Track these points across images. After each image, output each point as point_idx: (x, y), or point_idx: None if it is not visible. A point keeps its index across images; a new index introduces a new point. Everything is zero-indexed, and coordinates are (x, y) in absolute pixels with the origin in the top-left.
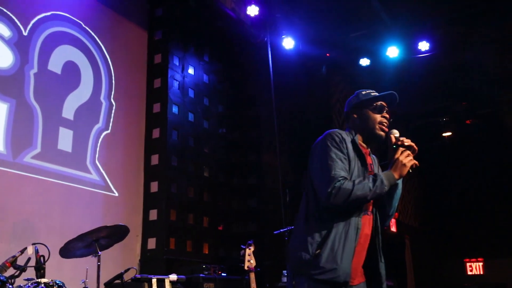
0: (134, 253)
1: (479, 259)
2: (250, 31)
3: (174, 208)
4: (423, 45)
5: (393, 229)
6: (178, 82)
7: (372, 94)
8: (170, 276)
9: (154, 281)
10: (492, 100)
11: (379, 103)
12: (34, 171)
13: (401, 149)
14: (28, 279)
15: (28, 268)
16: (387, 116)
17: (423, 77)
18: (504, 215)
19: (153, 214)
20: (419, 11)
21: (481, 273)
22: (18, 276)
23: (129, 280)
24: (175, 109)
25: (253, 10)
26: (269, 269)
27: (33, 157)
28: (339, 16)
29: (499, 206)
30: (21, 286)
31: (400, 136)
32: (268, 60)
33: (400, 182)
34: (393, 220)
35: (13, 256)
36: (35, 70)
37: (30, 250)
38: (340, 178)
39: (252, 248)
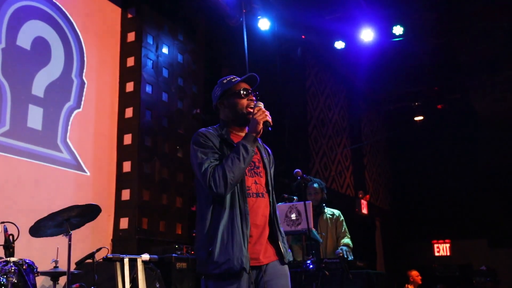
0: (106, 233)
1: (446, 240)
2: (225, 11)
3: (147, 188)
4: (397, 29)
5: (364, 211)
6: (152, 61)
7: (233, 80)
8: (142, 255)
9: (126, 260)
10: (463, 85)
11: (241, 88)
12: (2, 149)
13: (256, 108)
14: None
15: None
16: (253, 98)
17: (396, 61)
18: (470, 199)
19: (126, 194)
20: None
21: (448, 254)
22: None
23: (101, 260)
24: (148, 89)
25: None
26: None
27: (1, 135)
28: None
29: (466, 190)
30: None
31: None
32: (244, 41)
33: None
34: (364, 202)
35: None
36: (3, 45)
37: None
38: (210, 168)
39: None
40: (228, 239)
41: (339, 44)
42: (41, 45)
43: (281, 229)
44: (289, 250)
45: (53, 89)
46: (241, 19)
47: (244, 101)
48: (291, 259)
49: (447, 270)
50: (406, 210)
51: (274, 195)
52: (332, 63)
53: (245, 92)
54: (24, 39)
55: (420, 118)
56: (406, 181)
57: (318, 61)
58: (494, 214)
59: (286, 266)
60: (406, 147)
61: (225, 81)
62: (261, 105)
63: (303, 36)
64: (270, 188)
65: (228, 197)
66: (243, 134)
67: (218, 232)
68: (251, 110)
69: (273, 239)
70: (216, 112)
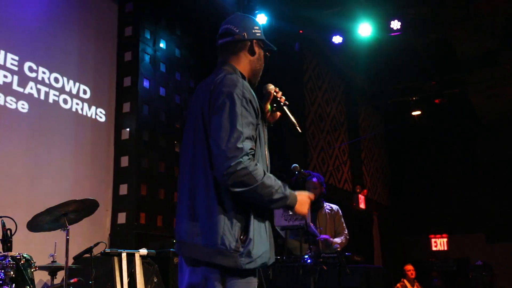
0: (103, 227)
1: (443, 235)
2: (223, 6)
3: (145, 183)
4: (395, 24)
5: (362, 206)
6: (149, 56)
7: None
8: (140, 250)
9: (124, 255)
10: (460, 80)
11: (268, 53)
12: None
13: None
14: None
15: None
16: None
17: (394, 56)
18: (468, 193)
19: (123, 189)
20: None
21: (445, 248)
22: None
23: (99, 254)
24: (146, 83)
25: None
26: None
27: None
28: None
29: (464, 185)
30: None
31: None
32: None
33: None
34: (361, 197)
35: None
36: None
37: None
38: (248, 159)
39: None
40: (261, 229)
41: (337, 39)
42: None
43: None
44: None
45: None
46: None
47: (263, 64)
48: None
49: (444, 264)
50: (403, 205)
51: None
52: (330, 58)
53: (268, 57)
54: None
55: (418, 113)
56: (403, 175)
57: (315, 56)
58: (492, 208)
59: None
60: (403, 142)
61: (258, 29)
62: (272, 88)
63: (300, 31)
64: None
65: None
66: None
67: (250, 220)
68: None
69: None
70: (230, 43)
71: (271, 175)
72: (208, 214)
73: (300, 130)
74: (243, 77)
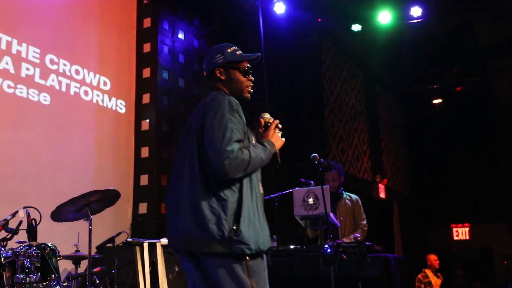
0: (125, 217)
1: (465, 224)
2: None
3: (165, 173)
4: (415, 11)
5: (382, 195)
6: (168, 47)
7: (238, 53)
8: (161, 240)
9: (145, 244)
10: (482, 67)
11: (246, 65)
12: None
13: (273, 126)
14: (20, 242)
15: (20, 231)
16: (252, 79)
17: (414, 43)
18: (490, 182)
19: (144, 179)
20: None
21: (467, 238)
22: (10, 239)
23: (121, 244)
24: (165, 74)
25: None
26: None
27: None
28: None
29: (486, 173)
30: (13, 249)
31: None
32: (259, 25)
33: None
34: (382, 187)
35: (5, 220)
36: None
37: (21, 214)
38: (238, 148)
39: None
40: (255, 218)
41: (356, 27)
42: None
43: None
44: None
45: None
46: (257, 2)
47: (244, 80)
48: None
49: (466, 254)
50: (424, 194)
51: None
52: (348, 47)
53: (247, 71)
54: None
55: (439, 101)
56: (424, 164)
57: (334, 44)
58: None
59: None
60: (424, 131)
61: (229, 50)
62: (267, 115)
63: (319, 20)
64: None
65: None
66: None
67: (244, 210)
68: (249, 90)
69: None
70: (208, 77)
71: (251, 144)
72: (199, 208)
73: (279, 162)
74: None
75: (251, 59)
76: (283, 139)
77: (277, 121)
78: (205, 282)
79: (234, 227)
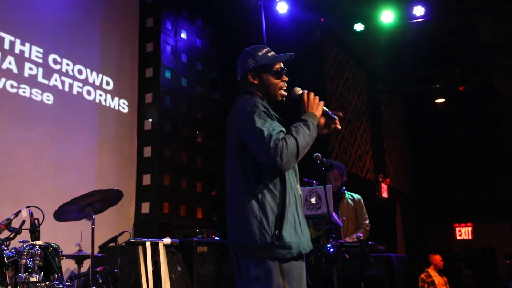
0: (128, 217)
1: (468, 224)
2: None
3: (168, 173)
4: (418, 10)
5: (385, 194)
6: (170, 47)
7: (269, 55)
8: (164, 239)
9: (148, 244)
10: (485, 67)
11: (278, 66)
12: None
13: (305, 92)
14: (23, 241)
15: (22, 230)
16: (287, 79)
17: (417, 43)
18: (493, 182)
19: (147, 179)
20: None
21: (470, 237)
22: (13, 238)
23: (123, 243)
24: (167, 74)
25: None
26: None
27: None
28: None
29: (488, 173)
30: (16, 248)
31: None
32: (262, 24)
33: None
34: (384, 186)
35: (8, 219)
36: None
37: (24, 213)
38: (279, 139)
39: None
40: (296, 222)
41: (359, 27)
42: None
43: None
44: None
45: None
46: (259, 2)
47: (278, 82)
48: None
49: (469, 254)
50: (427, 194)
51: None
52: (351, 46)
53: (281, 72)
54: None
55: (441, 100)
56: (427, 164)
57: (336, 44)
58: None
59: None
60: (427, 130)
61: (260, 53)
62: (299, 90)
63: (321, 19)
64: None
65: (287, 177)
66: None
67: (285, 214)
68: (282, 93)
69: None
70: (242, 82)
71: (291, 127)
72: (242, 213)
73: (339, 127)
74: (261, 97)
75: (284, 60)
76: (322, 101)
77: (311, 94)
78: (240, 282)
79: (276, 232)
